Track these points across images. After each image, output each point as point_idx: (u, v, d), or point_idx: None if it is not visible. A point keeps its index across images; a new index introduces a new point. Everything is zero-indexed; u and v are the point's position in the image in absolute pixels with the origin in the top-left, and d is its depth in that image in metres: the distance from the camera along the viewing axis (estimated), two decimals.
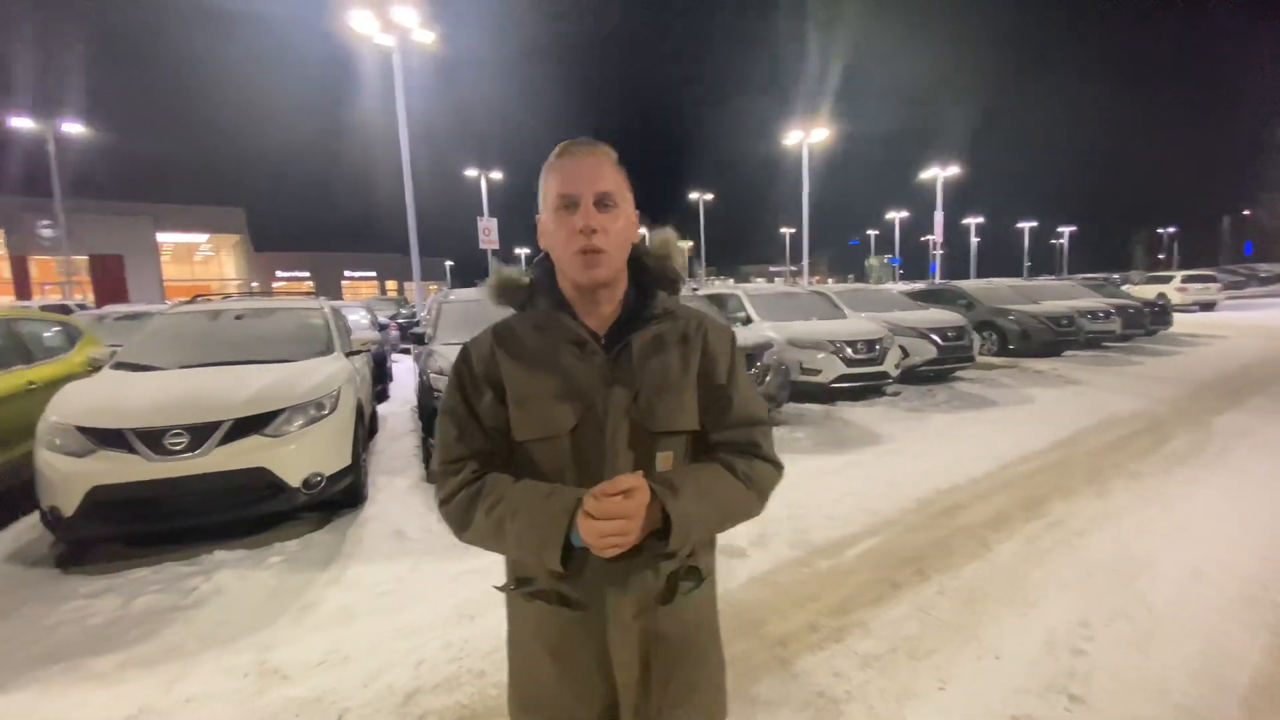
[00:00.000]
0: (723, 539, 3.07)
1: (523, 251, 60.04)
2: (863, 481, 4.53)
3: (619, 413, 0.96)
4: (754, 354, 6.48)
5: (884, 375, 7.99)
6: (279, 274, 38.82)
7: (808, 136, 24.75)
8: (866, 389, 7.97)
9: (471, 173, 28.13)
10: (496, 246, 24.11)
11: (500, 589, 1.05)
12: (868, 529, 3.67)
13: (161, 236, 28.69)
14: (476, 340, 1.04)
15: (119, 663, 2.52)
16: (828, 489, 4.36)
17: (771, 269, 74.64)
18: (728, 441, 1.04)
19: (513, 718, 1.08)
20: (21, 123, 17.80)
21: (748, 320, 8.78)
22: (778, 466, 1.07)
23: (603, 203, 0.95)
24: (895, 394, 8.12)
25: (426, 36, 13.18)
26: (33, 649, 2.64)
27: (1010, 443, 5.43)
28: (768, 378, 6.44)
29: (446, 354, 5.27)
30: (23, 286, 25.92)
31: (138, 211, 27.71)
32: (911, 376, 8.79)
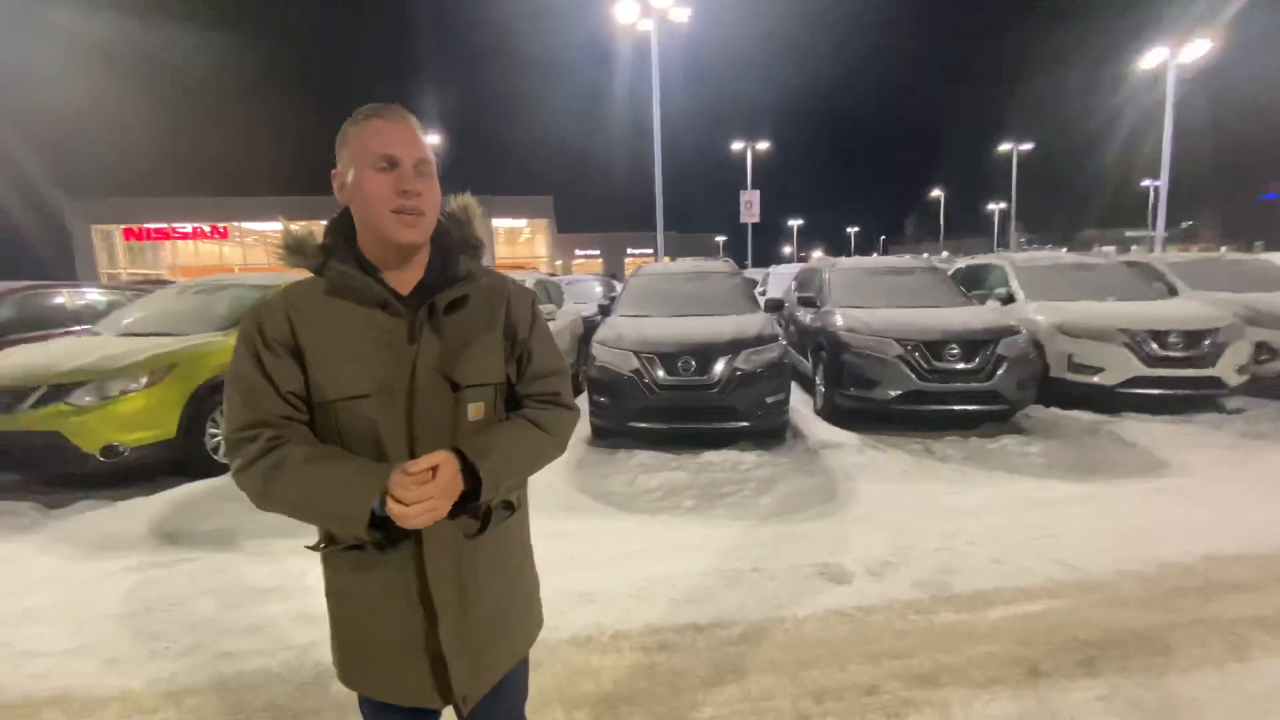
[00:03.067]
0: (832, 558, 2.55)
1: (794, 223, 58.19)
2: (1083, 523, 3.33)
3: (427, 370, 1.00)
4: (980, 339, 5.24)
5: (1214, 382, 5.71)
6: (577, 252, 44.97)
7: (1176, 55, 18.33)
8: (1181, 399, 5.79)
9: (738, 145, 28.09)
10: (758, 219, 23.91)
11: (311, 549, 1.06)
12: (1048, 589, 2.69)
13: (495, 222, 35.70)
14: (267, 303, 1.02)
15: None
16: (1022, 525, 3.32)
17: (1129, 234, 57.61)
18: (533, 393, 1.14)
19: (338, 666, 1.10)
20: None
21: (1009, 298, 7.10)
22: (575, 410, 1.20)
23: (420, 170, 0.98)
24: (1235, 410, 5.74)
25: (682, 14, 13.49)
26: None
27: None
28: (999, 371, 5.15)
29: (616, 324, 5.47)
30: None
31: (481, 203, 34.56)
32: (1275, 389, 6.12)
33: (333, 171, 1.02)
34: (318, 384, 0.98)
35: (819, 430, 5.31)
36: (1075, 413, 5.63)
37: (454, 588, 1.02)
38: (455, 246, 1.09)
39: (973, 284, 7.91)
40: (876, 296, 6.39)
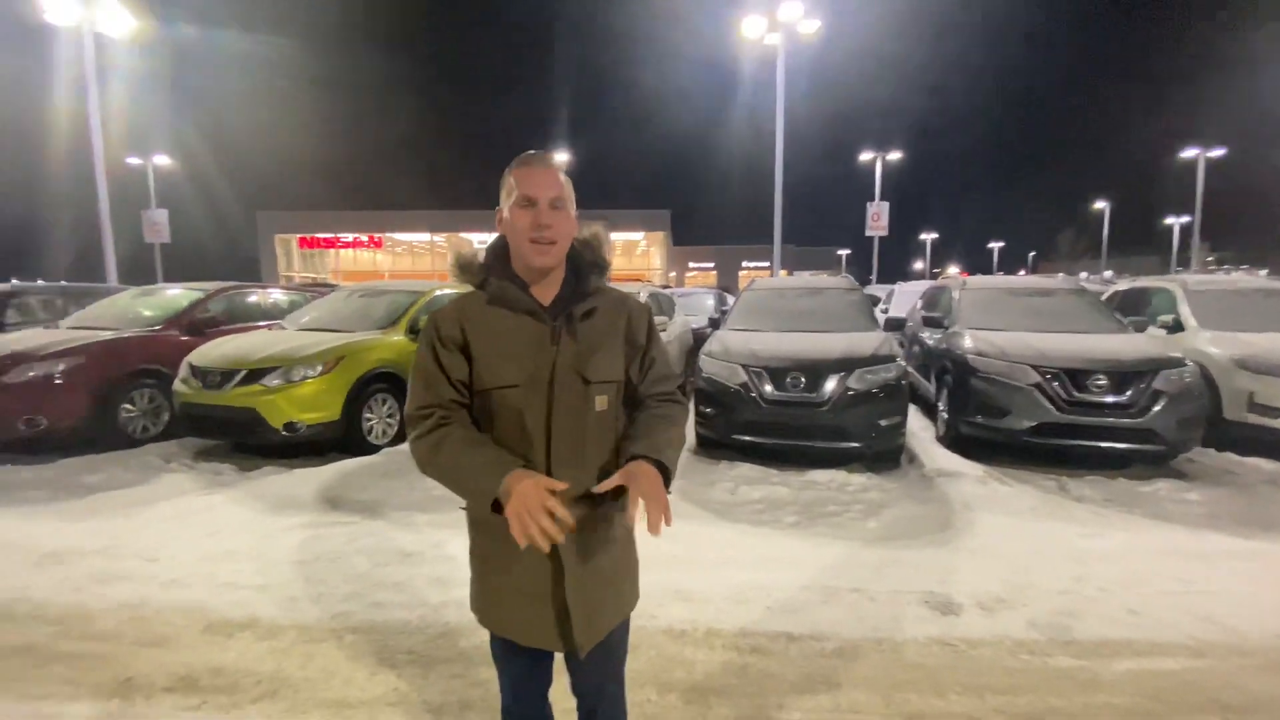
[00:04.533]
0: (940, 588, 2.51)
1: (928, 237, 54.70)
2: (1243, 581, 2.94)
3: (565, 367, 1.22)
4: (1133, 370, 4.75)
5: None
6: (691, 265, 45.33)
7: None
8: None
9: (867, 156, 26.99)
10: (885, 232, 22.79)
11: (463, 509, 1.29)
12: (1190, 647, 2.43)
13: (613, 235, 37.12)
14: (443, 310, 1.28)
15: None
16: (1167, 576, 3.00)
17: None
18: (655, 393, 1.34)
19: (476, 611, 1.33)
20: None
21: (1176, 326, 6.33)
22: (686, 404, 1.41)
23: (554, 205, 1.21)
24: None
25: (810, 26, 13.34)
26: None
27: None
28: (1155, 408, 4.63)
29: (725, 338, 5.57)
30: None
31: (602, 217, 36.35)
32: None
33: (496, 209, 1.28)
34: (479, 375, 1.22)
35: (938, 457, 5.06)
36: (1255, 460, 4.91)
37: (577, 548, 1.21)
38: (586, 267, 1.31)
39: (1134, 309, 7.12)
40: (1012, 319, 5.96)
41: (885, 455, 4.96)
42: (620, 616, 1.35)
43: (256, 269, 39.45)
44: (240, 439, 5.13)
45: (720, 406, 4.96)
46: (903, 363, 5.09)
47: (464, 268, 1.30)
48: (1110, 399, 4.74)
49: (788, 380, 4.84)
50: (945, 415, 5.67)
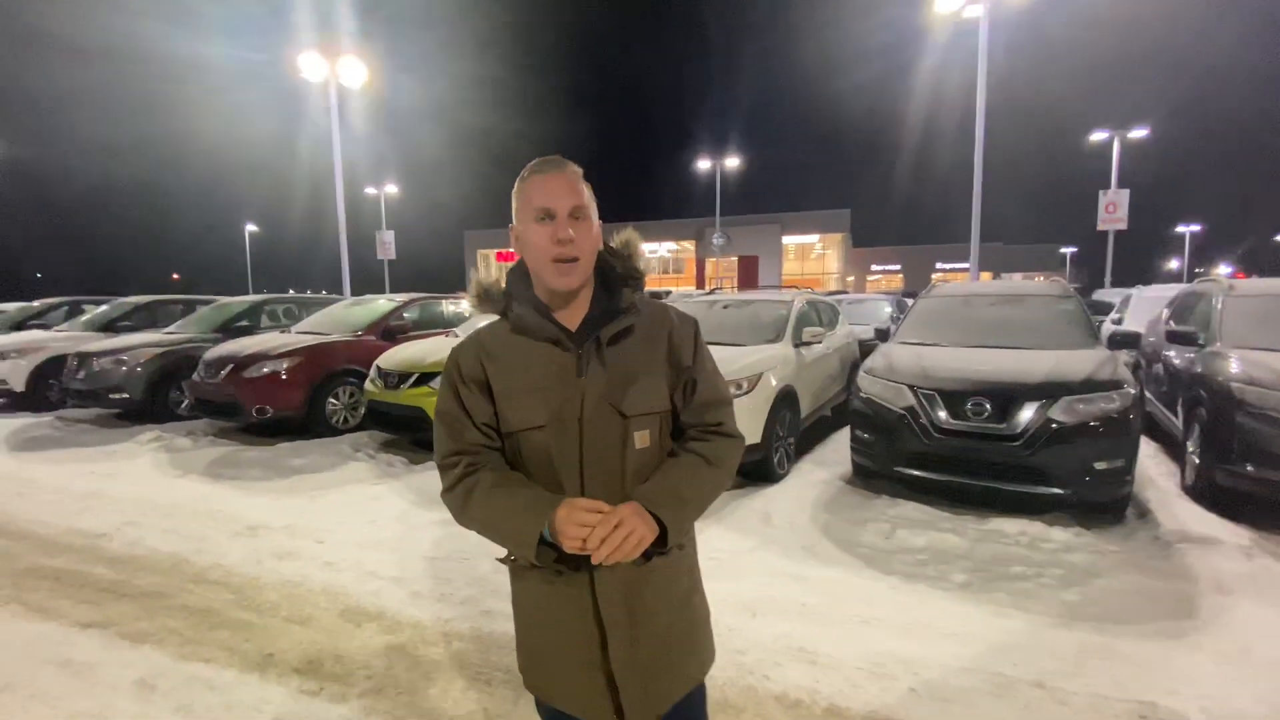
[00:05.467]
0: (1166, 701, 2.19)
1: (1187, 229, 44.98)
2: None
3: (595, 400, 1.06)
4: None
5: None
6: (873, 268, 41.89)
7: None
8: None
9: (1100, 136, 22.74)
10: (1123, 225, 19.11)
11: (502, 561, 1.17)
12: None
13: (786, 239, 35.88)
14: (463, 345, 1.15)
15: None
16: None
17: None
18: (696, 423, 1.15)
19: (522, 671, 1.21)
20: (702, 163, 25.43)
21: (1201, 343, 4.29)
22: (739, 439, 1.19)
23: (575, 215, 1.05)
24: None
25: None
26: None
27: None
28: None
29: (891, 352, 4.87)
30: (701, 280, 37.23)
31: (771, 221, 35.64)
32: None
33: (510, 226, 1.13)
34: (503, 415, 1.09)
35: (1182, 514, 3.90)
36: None
37: (623, 609, 1.06)
38: (618, 280, 1.14)
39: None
40: None
41: (1102, 507, 3.94)
42: (689, 684, 1.16)
43: (463, 281, 45.07)
44: (411, 435, 5.68)
45: (880, 433, 4.32)
46: (1132, 389, 4.00)
47: (484, 296, 1.15)
48: None
49: (968, 406, 4.05)
50: (1196, 459, 4.36)
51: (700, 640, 1.20)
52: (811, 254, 39.99)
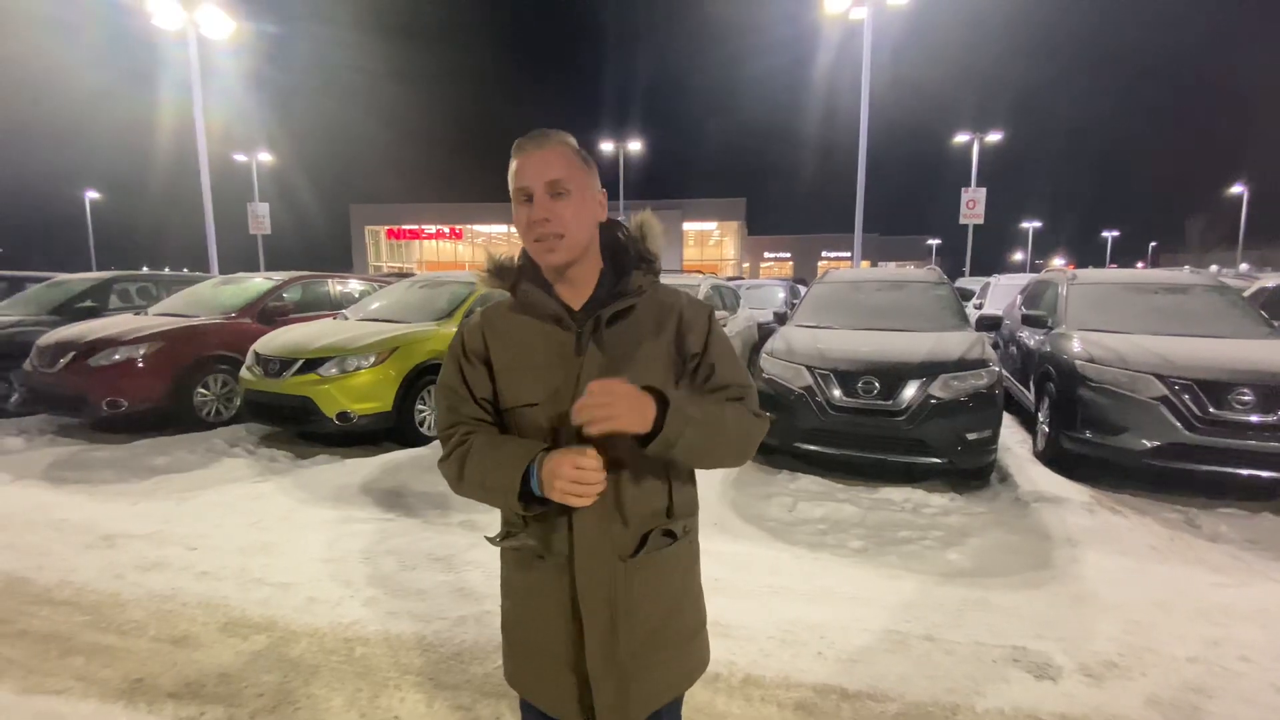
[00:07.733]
0: (1035, 644, 2.10)
1: (1030, 225, 50.65)
2: None
3: (591, 379, 0.98)
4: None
5: None
6: (765, 255, 43.93)
7: None
8: None
9: (962, 138, 25.02)
10: (980, 220, 21.13)
11: (489, 540, 1.16)
12: None
13: (686, 225, 36.62)
14: (469, 321, 1.15)
15: None
16: None
17: None
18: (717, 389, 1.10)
19: (505, 662, 1.18)
20: (604, 145, 25.23)
21: (1049, 326, 5.20)
22: (764, 419, 1.11)
23: (554, 192, 1.01)
24: None
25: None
26: None
27: None
28: None
29: (790, 335, 5.11)
30: None
31: (673, 207, 36.26)
32: None
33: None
34: (501, 392, 1.08)
35: (1037, 478, 4.43)
36: None
37: (604, 605, 1.02)
38: (629, 261, 1.12)
39: None
40: (1132, 319, 5.14)
41: (972, 473, 4.38)
42: (672, 692, 1.11)
43: (349, 259, 41.90)
44: (297, 427, 5.22)
45: (781, 411, 4.54)
46: (996, 368, 4.47)
47: (496, 272, 1.13)
48: (1256, 418, 3.95)
49: (859, 385, 4.35)
50: (1045, 428, 4.97)
51: (690, 646, 1.14)
52: (710, 240, 41.09)
